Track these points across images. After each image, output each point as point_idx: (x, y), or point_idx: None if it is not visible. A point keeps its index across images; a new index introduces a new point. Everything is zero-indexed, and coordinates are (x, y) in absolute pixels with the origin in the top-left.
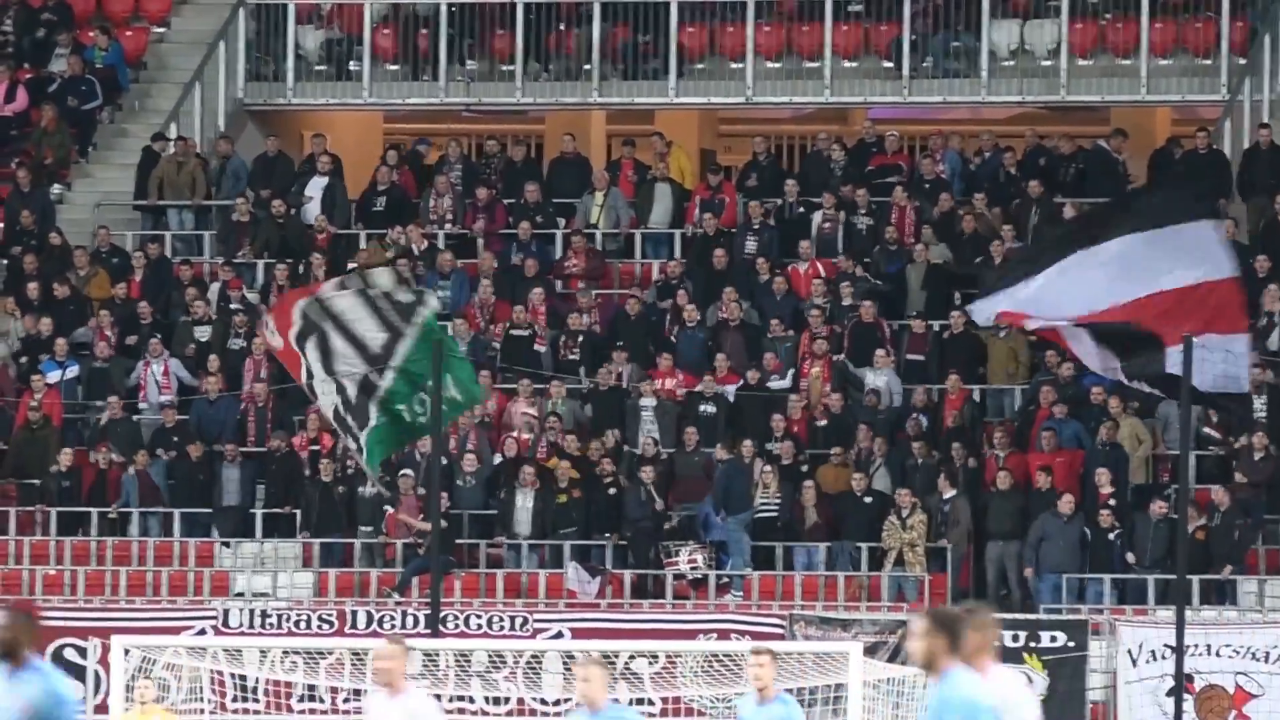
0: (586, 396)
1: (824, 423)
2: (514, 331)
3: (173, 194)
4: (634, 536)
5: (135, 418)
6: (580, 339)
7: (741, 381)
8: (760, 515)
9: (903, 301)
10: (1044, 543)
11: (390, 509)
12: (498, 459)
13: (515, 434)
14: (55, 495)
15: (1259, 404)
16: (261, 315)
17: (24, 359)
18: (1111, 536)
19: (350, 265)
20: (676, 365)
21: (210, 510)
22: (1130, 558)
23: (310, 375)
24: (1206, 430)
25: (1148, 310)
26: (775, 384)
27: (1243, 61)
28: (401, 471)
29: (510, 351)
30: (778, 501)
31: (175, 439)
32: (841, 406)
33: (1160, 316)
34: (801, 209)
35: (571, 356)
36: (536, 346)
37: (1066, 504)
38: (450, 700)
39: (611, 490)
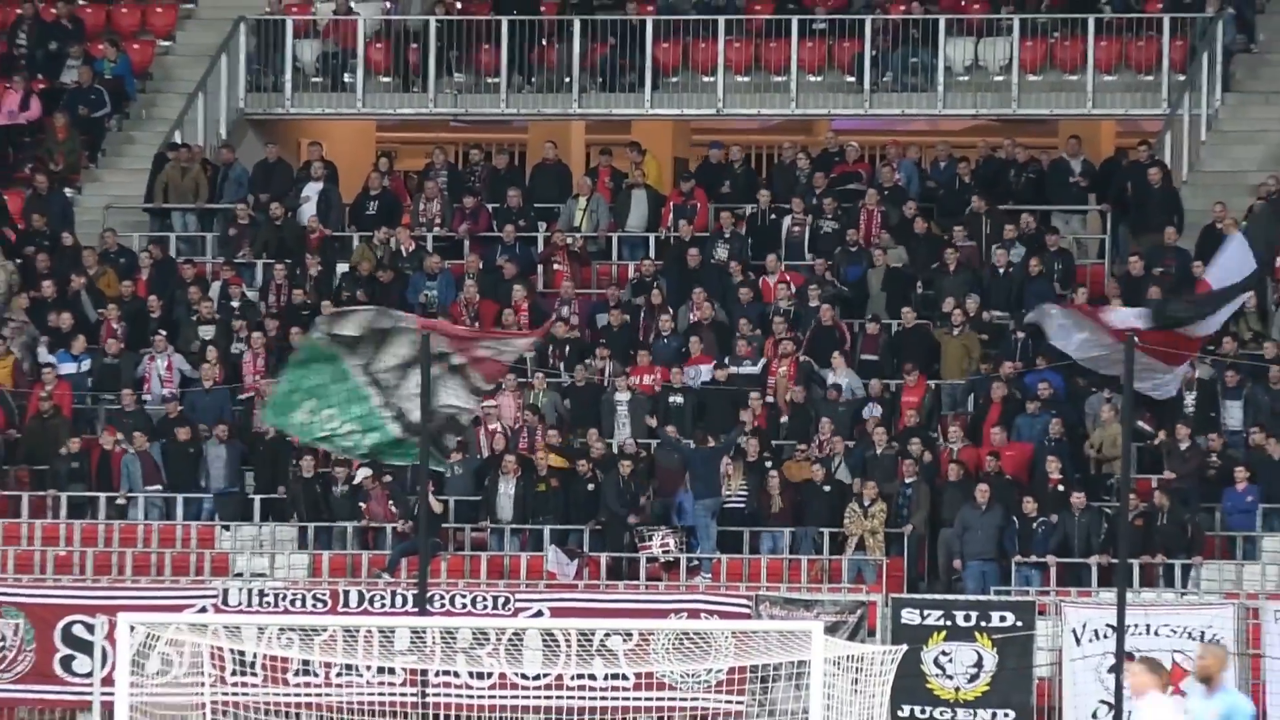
0: (566, 391)
1: (786, 419)
2: None
3: (177, 198)
4: (609, 522)
5: (138, 407)
6: (567, 347)
7: (715, 362)
8: (729, 505)
9: (864, 304)
10: (966, 532)
11: (363, 504)
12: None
13: (500, 425)
14: (64, 477)
15: (1190, 400)
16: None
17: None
18: (1035, 525)
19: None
20: (652, 364)
21: (208, 495)
22: (1049, 565)
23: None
24: (1140, 425)
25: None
26: (746, 369)
27: (1182, 78)
28: (363, 471)
29: None
30: (744, 492)
31: (176, 429)
32: (805, 398)
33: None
34: (774, 215)
35: (558, 364)
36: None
37: (982, 493)
38: (436, 675)
39: (590, 487)
